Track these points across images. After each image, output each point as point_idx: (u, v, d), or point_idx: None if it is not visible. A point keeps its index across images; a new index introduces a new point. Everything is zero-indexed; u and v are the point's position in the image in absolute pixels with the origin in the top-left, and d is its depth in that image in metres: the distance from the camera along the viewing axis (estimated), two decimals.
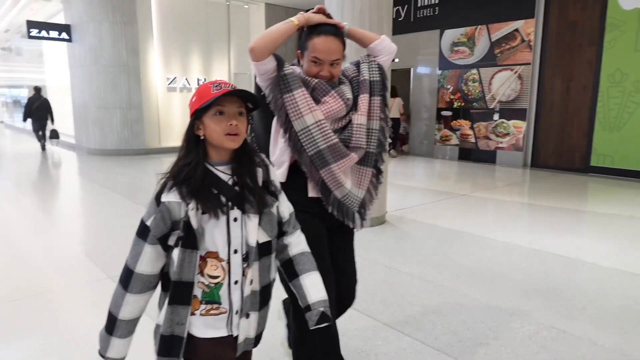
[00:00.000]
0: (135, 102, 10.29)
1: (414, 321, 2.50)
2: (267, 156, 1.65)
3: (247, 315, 1.23)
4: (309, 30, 1.61)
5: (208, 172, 1.17)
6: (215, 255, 1.17)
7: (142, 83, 10.40)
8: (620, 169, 7.39)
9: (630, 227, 4.58)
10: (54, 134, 11.01)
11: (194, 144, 1.18)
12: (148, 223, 1.14)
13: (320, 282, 1.30)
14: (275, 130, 1.66)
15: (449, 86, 9.51)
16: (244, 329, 1.23)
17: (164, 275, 1.20)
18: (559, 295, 2.89)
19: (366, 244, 3.83)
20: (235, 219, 1.18)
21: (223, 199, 1.17)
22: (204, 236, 1.15)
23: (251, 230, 1.20)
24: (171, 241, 1.15)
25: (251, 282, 1.22)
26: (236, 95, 1.15)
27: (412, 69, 10.19)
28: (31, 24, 10.18)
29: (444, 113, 9.65)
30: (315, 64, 1.59)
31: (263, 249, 1.23)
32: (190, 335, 1.18)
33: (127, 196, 6.01)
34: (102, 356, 1.20)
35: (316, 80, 1.60)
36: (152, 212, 1.14)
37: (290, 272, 1.31)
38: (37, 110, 10.66)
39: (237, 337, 1.23)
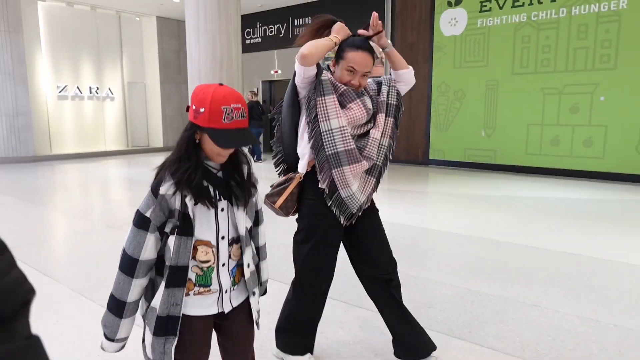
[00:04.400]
0: (22, 110, 10.40)
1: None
2: (290, 150, 1.94)
3: (254, 293, 1.43)
4: (347, 42, 1.80)
5: (203, 170, 1.27)
6: (205, 242, 1.30)
7: (30, 91, 10.54)
8: (449, 161, 9.34)
9: (452, 201, 6.21)
10: None
11: (192, 148, 1.25)
12: (148, 214, 1.24)
13: (268, 267, 1.57)
14: (303, 126, 1.85)
15: None
16: (254, 303, 1.44)
17: (158, 259, 1.30)
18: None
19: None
20: (222, 209, 1.32)
21: (212, 190, 1.29)
22: (195, 225, 1.27)
23: (240, 219, 1.34)
24: (167, 228, 1.26)
25: (248, 265, 1.39)
26: (236, 146, 1.27)
27: None
28: None
29: None
30: (350, 73, 1.78)
31: (249, 234, 1.40)
32: (183, 315, 1.30)
33: (17, 196, 6.50)
34: (112, 340, 1.31)
35: (345, 87, 1.79)
36: (151, 204, 1.24)
37: (257, 256, 1.53)
38: None
39: (223, 312, 1.37)
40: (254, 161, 10.53)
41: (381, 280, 1.96)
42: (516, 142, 8.61)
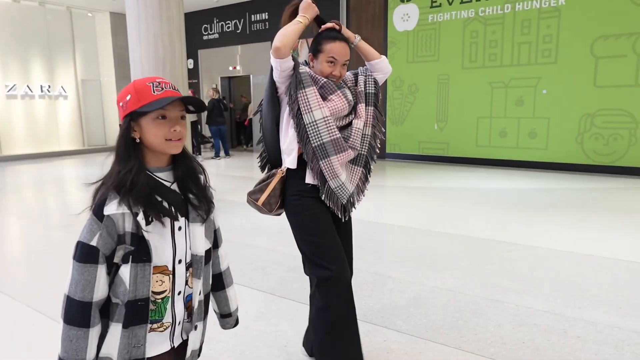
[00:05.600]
0: None
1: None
2: (272, 147, 1.91)
3: (196, 327, 1.22)
4: (322, 36, 1.83)
5: (150, 179, 1.09)
6: (160, 269, 1.11)
7: None
8: (405, 154, 9.55)
9: (406, 194, 6.37)
10: None
11: (132, 148, 1.08)
12: (94, 243, 1.03)
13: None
14: (286, 121, 1.83)
15: None
16: (193, 341, 1.22)
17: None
18: None
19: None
20: (179, 228, 1.14)
21: (167, 205, 1.11)
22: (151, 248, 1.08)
23: (199, 238, 1.17)
24: (117, 258, 1.06)
25: (200, 292, 1.20)
26: (182, 100, 1.10)
27: (251, 75, 11.52)
28: None
29: None
30: (330, 64, 1.79)
31: (206, 257, 1.21)
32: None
33: None
34: None
35: (324, 80, 1.79)
36: (96, 229, 1.03)
37: (218, 283, 1.34)
38: None
39: (177, 347, 1.20)
40: (223, 157, 10.44)
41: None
42: (467, 134, 8.88)
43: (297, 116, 1.76)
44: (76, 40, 12.14)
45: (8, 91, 10.94)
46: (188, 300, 1.20)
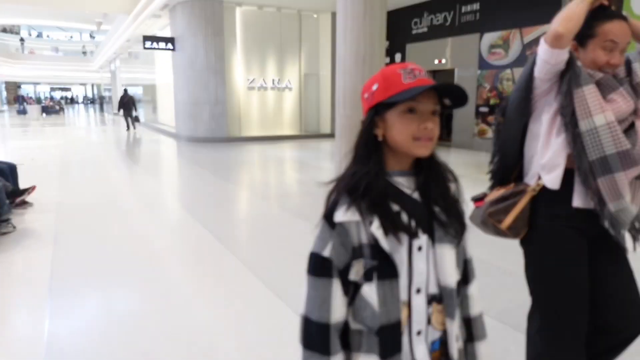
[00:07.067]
0: (220, 99, 12.64)
1: None
2: (513, 159, 1.61)
3: None
4: (592, 17, 1.46)
5: (388, 185, 0.92)
6: None
7: (226, 83, 12.72)
8: None
9: None
10: (137, 119, 16.53)
11: (373, 147, 0.93)
12: (326, 254, 0.90)
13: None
14: (547, 129, 1.51)
15: (486, 85, 10.47)
16: None
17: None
18: None
19: None
20: (419, 248, 0.93)
21: (406, 218, 0.92)
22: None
23: (448, 265, 0.94)
24: (353, 274, 0.90)
25: (457, 338, 0.97)
26: (438, 89, 0.91)
27: (455, 69, 11.24)
28: (146, 38, 12.98)
29: (482, 109, 10.61)
30: (607, 51, 1.45)
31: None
32: None
33: (210, 170, 8.15)
34: None
35: (601, 75, 1.46)
36: (327, 237, 0.91)
37: (466, 332, 1.05)
38: (126, 104, 16.05)
39: None
40: None
41: (620, 338, 1.55)
42: None
43: (571, 122, 1.44)
44: (302, 40, 13.92)
45: (249, 84, 13.37)
46: (435, 349, 0.96)
